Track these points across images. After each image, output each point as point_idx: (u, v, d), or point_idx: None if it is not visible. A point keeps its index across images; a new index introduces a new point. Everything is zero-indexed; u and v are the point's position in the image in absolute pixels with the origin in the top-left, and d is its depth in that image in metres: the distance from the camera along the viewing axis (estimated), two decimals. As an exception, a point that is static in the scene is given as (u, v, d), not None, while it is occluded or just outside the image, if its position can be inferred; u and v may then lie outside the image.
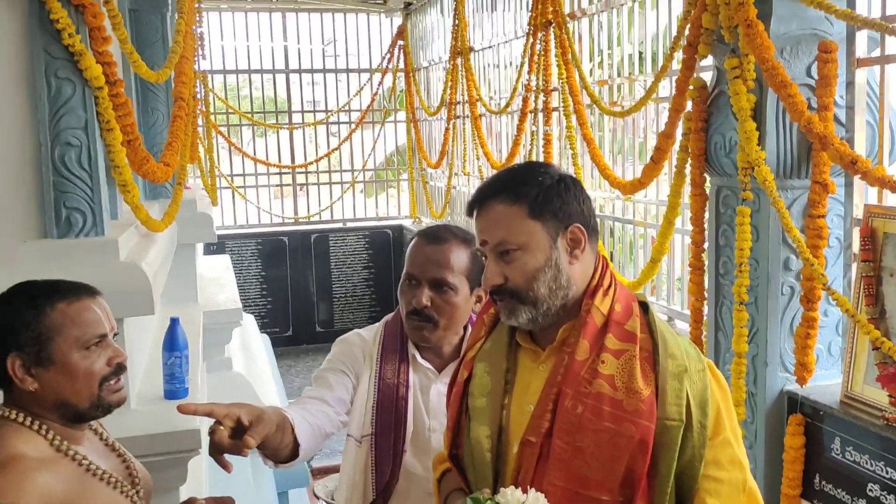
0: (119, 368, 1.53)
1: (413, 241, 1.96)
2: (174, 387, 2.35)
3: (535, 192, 1.42)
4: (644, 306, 1.46)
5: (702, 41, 2.88)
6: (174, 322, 2.35)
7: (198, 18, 3.93)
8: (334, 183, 9.78)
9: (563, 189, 1.44)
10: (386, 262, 9.42)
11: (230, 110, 9.09)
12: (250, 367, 4.37)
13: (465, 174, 7.69)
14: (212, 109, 8.20)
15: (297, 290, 9.17)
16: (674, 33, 3.21)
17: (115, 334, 1.56)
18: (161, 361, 2.41)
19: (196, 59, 3.99)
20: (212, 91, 8.41)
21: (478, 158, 6.93)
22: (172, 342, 2.33)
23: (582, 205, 1.46)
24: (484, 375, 1.50)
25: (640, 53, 4.67)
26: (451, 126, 7.68)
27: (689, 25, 2.95)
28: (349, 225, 9.58)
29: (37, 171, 2.17)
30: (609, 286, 1.45)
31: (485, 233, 1.44)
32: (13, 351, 1.44)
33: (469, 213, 1.50)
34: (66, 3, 2.10)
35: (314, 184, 9.70)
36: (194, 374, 2.52)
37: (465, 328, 1.99)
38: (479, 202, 1.46)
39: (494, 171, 6.59)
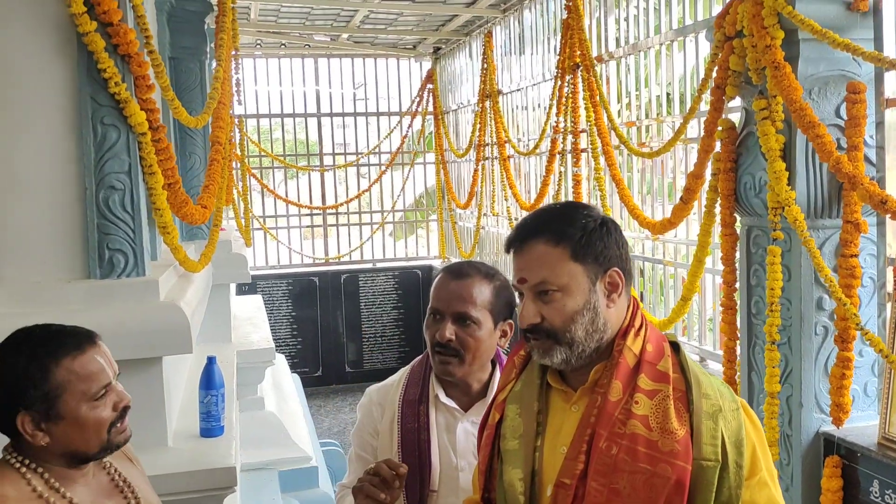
0: (124, 411, 1.55)
1: (437, 277, 1.99)
2: (210, 425, 2.38)
3: (578, 235, 1.42)
4: (675, 346, 1.47)
5: (729, 83, 2.91)
6: (211, 361, 2.39)
7: (234, 65, 4.04)
8: (364, 224, 9.89)
9: (605, 233, 1.44)
10: (415, 303, 9.45)
11: (263, 153, 9.26)
12: (282, 407, 4.40)
13: (493, 214, 7.74)
14: (246, 153, 8.37)
15: (327, 330, 9.22)
16: (701, 75, 3.25)
17: (119, 374, 1.57)
18: (197, 399, 2.45)
19: (232, 104, 4.10)
20: (246, 135, 8.59)
21: (506, 199, 6.98)
22: (209, 381, 2.37)
23: (621, 249, 1.47)
24: (516, 417, 1.50)
25: (668, 95, 4.71)
26: (479, 167, 7.76)
27: (716, 68, 2.99)
28: (379, 265, 9.64)
29: (82, 214, 2.25)
30: (640, 326, 1.46)
31: (525, 271, 1.45)
32: (21, 409, 1.46)
33: (508, 250, 1.50)
34: (113, 54, 2.19)
35: (344, 225, 9.81)
36: (229, 413, 2.56)
37: (494, 365, 2.01)
38: (521, 240, 1.46)
39: (524, 212, 6.66)
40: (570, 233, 1.42)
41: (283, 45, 8.94)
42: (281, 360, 5.51)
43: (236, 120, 4.94)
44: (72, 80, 2.21)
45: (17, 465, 1.50)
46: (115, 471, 1.64)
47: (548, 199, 6.04)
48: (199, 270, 2.90)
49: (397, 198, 9.74)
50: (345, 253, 9.67)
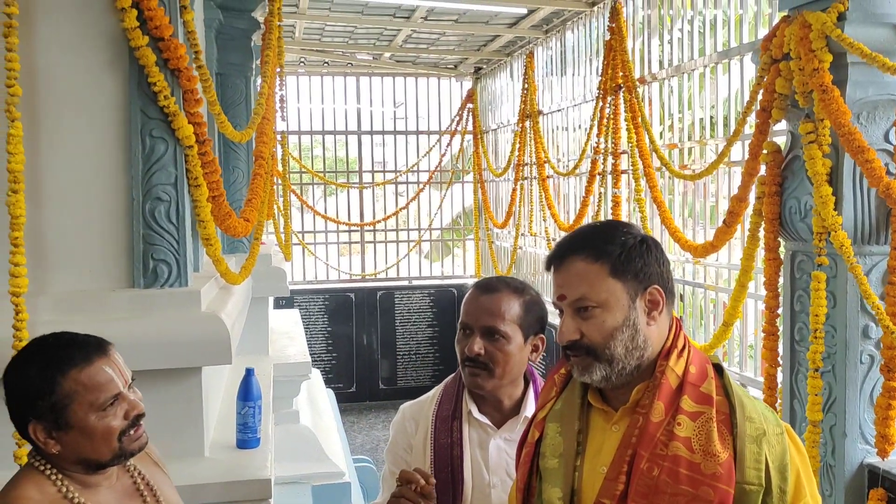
0: (137, 419, 1.55)
1: (468, 293, 2.00)
2: (247, 436, 2.40)
3: (618, 251, 1.43)
4: (718, 368, 1.45)
5: (776, 106, 2.88)
6: (249, 372, 2.41)
7: (279, 82, 4.10)
8: (401, 241, 9.92)
9: (644, 250, 1.44)
10: (450, 321, 9.44)
11: (303, 169, 9.36)
12: (317, 422, 4.41)
13: (531, 234, 7.72)
14: (287, 168, 8.46)
15: (362, 346, 9.25)
16: (745, 98, 3.22)
17: (133, 381, 1.58)
18: (234, 411, 2.47)
19: (276, 120, 4.15)
20: (287, 151, 8.70)
21: (545, 220, 6.96)
22: (247, 392, 2.38)
23: (662, 267, 1.46)
24: (556, 436, 1.50)
25: (712, 118, 4.67)
26: (518, 187, 7.76)
27: (762, 90, 2.96)
28: (414, 283, 9.66)
29: (128, 224, 2.29)
30: (683, 347, 1.45)
31: (564, 288, 1.45)
32: (32, 419, 1.49)
33: (548, 268, 1.51)
34: (164, 68, 2.24)
35: (381, 242, 9.86)
36: (265, 425, 2.57)
37: (527, 382, 2.00)
38: (560, 257, 1.47)
39: (562, 232, 6.63)
40: (610, 249, 1.43)
41: (327, 63, 9.05)
42: (316, 375, 5.53)
43: (279, 136, 4.99)
44: (122, 93, 2.26)
45: (42, 468, 1.53)
46: (139, 474, 1.66)
47: (587, 220, 6.01)
48: (240, 283, 2.93)
49: (434, 216, 9.76)
50: (381, 269, 9.71)
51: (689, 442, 1.35)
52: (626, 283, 1.42)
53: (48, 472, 1.51)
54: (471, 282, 9.48)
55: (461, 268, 10.35)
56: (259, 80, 3.71)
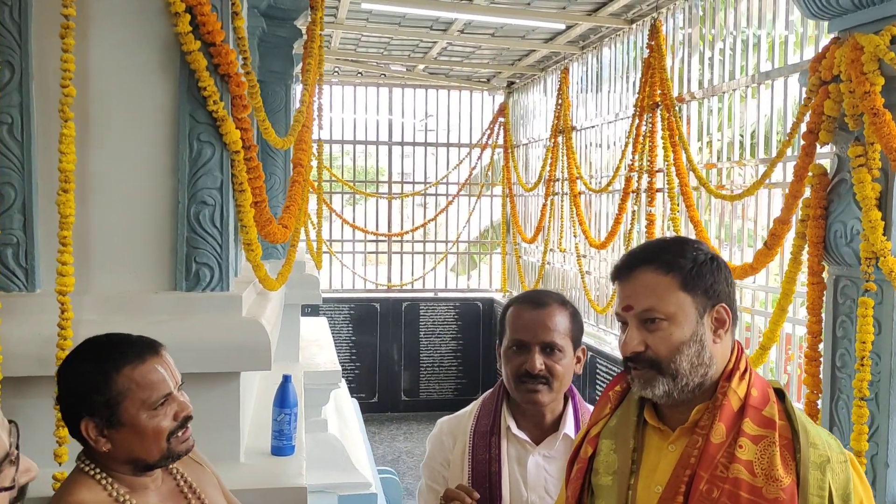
0: (185, 420, 1.57)
1: (513, 308, 1.98)
2: (282, 443, 2.39)
3: (689, 265, 1.42)
4: (780, 393, 1.43)
5: (823, 128, 2.83)
6: (286, 379, 2.40)
7: (317, 90, 4.12)
8: (428, 253, 9.92)
9: (715, 267, 1.43)
10: (474, 335, 9.41)
11: (333, 178, 9.39)
12: (343, 431, 4.40)
13: (560, 251, 7.68)
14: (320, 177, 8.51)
15: (386, 356, 9.24)
16: (787, 119, 3.18)
17: (182, 384, 1.60)
18: (264, 417, 2.47)
19: (313, 128, 4.17)
20: (322, 160, 8.75)
21: (575, 236, 6.92)
22: (284, 399, 2.37)
23: (729, 287, 1.45)
24: (610, 453, 1.48)
25: (753, 137, 4.63)
26: (548, 202, 7.73)
27: (809, 112, 2.92)
28: (440, 295, 9.65)
29: (172, 227, 2.29)
30: (745, 370, 1.43)
31: (631, 298, 1.43)
32: (85, 415, 1.51)
33: (615, 278, 1.50)
34: (214, 73, 2.25)
35: (408, 253, 9.87)
36: (299, 433, 2.56)
37: (566, 399, 1.99)
38: (629, 267, 1.46)
39: (592, 249, 6.58)
40: (681, 263, 1.42)
41: (360, 73, 9.10)
42: (342, 384, 5.52)
43: (315, 144, 5.02)
44: (172, 97, 2.27)
45: (91, 471, 1.53)
46: (182, 476, 1.66)
47: (619, 238, 5.97)
48: (277, 289, 2.93)
49: (462, 229, 9.76)
50: (408, 281, 9.71)
51: (750, 465, 1.33)
52: (695, 297, 1.41)
53: (98, 475, 1.52)
54: (497, 296, 9.46)
55: (487, 281, 10.33)
56: (301, 89, 3.73)
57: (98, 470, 1.53)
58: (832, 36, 2.90)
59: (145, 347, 1.56)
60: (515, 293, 9.17)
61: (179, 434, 1.55)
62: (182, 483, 1.63)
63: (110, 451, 1.51)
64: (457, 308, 9.45)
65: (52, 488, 1.99)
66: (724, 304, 1.43)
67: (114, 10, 2.22)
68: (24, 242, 2.20)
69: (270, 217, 2.72)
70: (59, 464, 1.99)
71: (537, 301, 1.96)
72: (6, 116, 2.15)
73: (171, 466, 1.62)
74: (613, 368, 5.74)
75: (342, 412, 4.88)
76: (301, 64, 3.64)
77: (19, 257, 2.21)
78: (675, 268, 1.41)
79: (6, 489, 1.08)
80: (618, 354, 5.85)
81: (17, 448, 1.12)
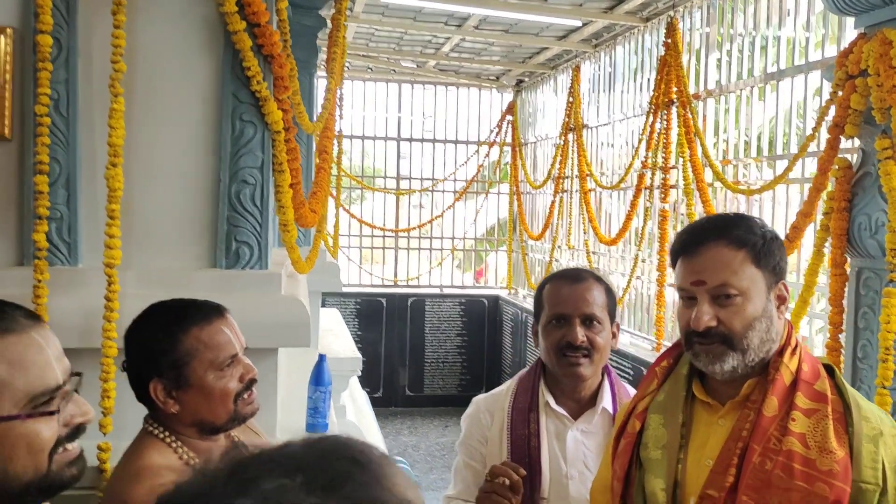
0: (251, 383, 1.59)
1: (550, 285, 2.01)
2: (317, 420, 2.42)
3: (760, 242, 1.43)
4: (829, 369, 1.45)
5: (850, 122, 2.87)
6: (322, 358, 2.44)
7: (341, 80, 4.15)
8: (434, 249, 9.95)
9: (779, 245, 1.46)
10: (479, 331, 9.44)
11: (343, 174, 9.42)
12: (360, 419, 4.43)
13: (569, 248, 7.72)
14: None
15: (391, 351, 9.26)
16: (809, 116, 3.22)
17: (245, 349, 1.62)
18: (296, 396, 2.49)
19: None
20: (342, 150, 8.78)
21: (584, 233, 6.96)
22: (319, 377, 2.41)
23: (787, 266, 1.48)
24: (659, 427, 1.50)
25: (771, 132, 4.67)
26: (557, 199, 7.77)
27: (834, 106, 2.96)
28: (446, 291, 9.68)
29: (214, 205, 2.32)
30: (795, 346, 1.45)
31: (703, 273, 1.43)
32: (154, 376, 1.53)
33: (680, 253, 1.49)
34: (258, 53, 2.28)
35: (415, 249, 9.90)
36: (331, 412, 2.59)
37: (603, 374, 2.01)
38: (699, 242, 1.46)
39: (602, 245, 6.61)
40: (753, 239, 1.43)
41: (370, 69, 9.13)
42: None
43: (338, 135, 5.05)
44: (216, 76, 2.30)
45: (160, 434, 1.56)
46: (243, 444, 1.68)
47: (630, 235, 6.01)
48: (307, 272, 2.96)
49: (470, 225, 9.80)
50: (414, 276, 9.74)
51: (803, 438, 1.35)
52: (765, 273, 1.43)
53: (166, 438, 1.54)
54: (503, 293, 9.48)
55: (492, 279, 10.36)
56: (327, 78, 3.76)
57: (167, 433, 1.55)
58: (858, 31, 2.94)
59: (211, 310, 1.59)
60: (522, 291, 9.23)
61: (245, 396, 1.57)
62: (244, 450, 1.65)
63: (178, 413, 1.53)
64: (462, 305, 9.48)
65: (96, 458, 2.02)
66: (783, 282, 1.46)
67: (161, -10, 2.25)
68: (67, 217, 2.23)
69: (303, 200, 2.76)
70: (104, 433, 2.02)
71: (575, 276, 1.99)
72: (53, 93, 2.18)
73: (231, 433, 1.64)
74: (624, 363, 5.78)
75: (356, 401, 4.92)
76: (326, 53, 3.68)
77: (62, 232, 2.24)
78: (748, 243, 1.42)
79: (51, 413, 1.11)
80: (627, 350, 5.87)
81: (76, 390, 1.17)
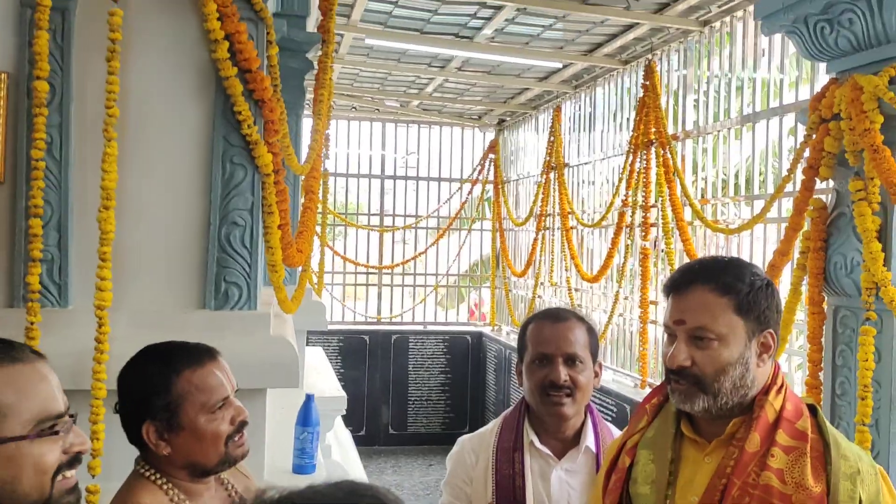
0: (241, 425, 1.61)
1: (533, 324, 2.05)
2: (304, 461, 2.43)
3: (746, 290, 1.47)
4: (812, 409, 1.49)
5: (823, 164, 2.96)
6: (309, 398, 2.45)
7: (327, 122, 4.21)
8: (418, 286, 9.98)
9: (769, 293, 1.49)
10: (463, 368, 9.44)
11: (328, 212, 9.46)
12: (345, 459, 4.42)
13: (551, 284, 7.78)
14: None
15: (374, 389, 9.23)
16: (783, 157, 3.31)
17: (236, 391, 1.64)
18: (282, 436, 2.50)
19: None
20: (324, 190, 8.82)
21: (567, 270, 7.02)
22: (307, 417, 2.42)
23: (778, 314, 1.51)
24: (648, 463, 1.53)
25: (748, 171, 4.77)
26: (539, 237, 7.84)
27: (809, 149, 3.04)
28: (429, 328, 9.68)
29: (203, 247, 2.35)
30: (781, 386, 1.49)
31: (685, 313, 1.48)
32: (146, 419, 1.54)
33: (670, 291, 1.54)
34: (249, 98, 2.33)
35: (398, 285, 9.92)
36: (318, 453, 2.60)
37: (586, 414, 2.04)
38: (687, 283, 1.51)
39: (584, 283, 6.67)
40: (739, 287, 1.47)
41: (355, 108, 9.23)
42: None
43: (325, 175, 5.10)
44: (208, 120, 2.34)
45: (151, 476, 1.57)
46: (232, 487, 1.69)
47: (612, 272, 6.08)
48: (293, 312, 2.98)
49: (452, 262, 9.84)
50: (398, 313, 9.74)
51: (781, 473, 1.38)
52: (747, 322, 1.46)
53: (157, 480, 1.55)
54: (487, 329, 9.51)
55: (476, 316, 10.38)
56: (314, 119, 3.81)
57: (158, 475, 1.56)
58: (831, 76, 3.04)
59: (203, 352, 1.61)
60: (505, 328, 9.25)
61: (236, 438, 1.59)
62: (233, 493, 1.66)
63: (170, 455, 1.54)
64: (446, 342, 9.48)
65: (86, 501, 2.02)
66: (771, 331, 1.49)
67: (154, 36, 2.30)
68: (58, 259, 2.25)
69: (291, 240, 2.79)
70: (93, 475, 2.02)
71: (557, 316, 2.03)
72: (46, 136, 2.21)
73: (222, 476, 1.66)
74: (607, 400, 5.81)
75: (341, 440, 4.90)
76: (313, 95, 3.73)
77: (53, 273, 2.26)
78: (733, 291, 1.46)
79: (55, 433, 1.19)
80: (609, 387, 5.89)
81: (73, 417, 1.26)
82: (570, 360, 1.95)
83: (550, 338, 1.98)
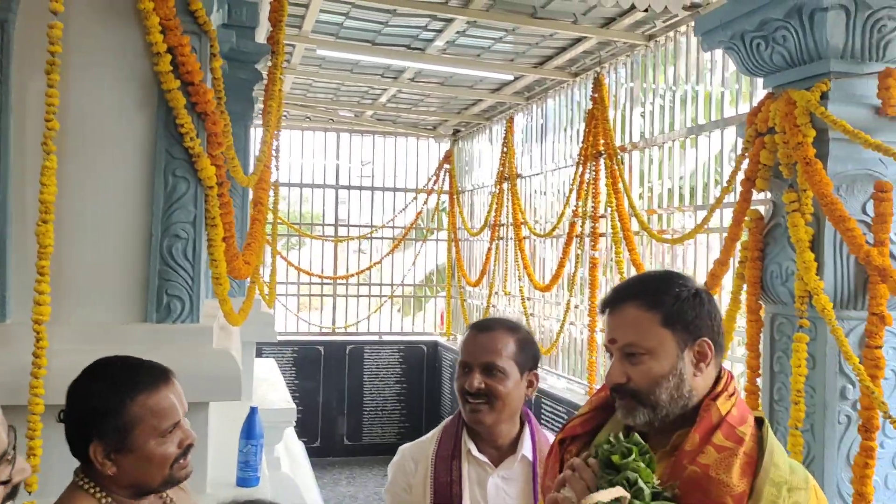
0: (188, 448, 1.61)
1: (465, 334, 2.11)
2: (248, 474, 2.42)
3: (671, 302, 1.47)
4: (759, 422, 1.49)
5: (760, 176, 3.05)
6: (253, 411, 2.45)
7: (276, 132, 4.20)
8: (373, 296, 9.97)
9: (697, 303, 1.49)
10: (418, 378, 9.44)
11: (281, 221, 9.41)
12: (295, 471, 4.40)
13: (505, 294, 7.84)
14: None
15: (329, 400, 9.18)
16: (725, 168, 3.39)
17: (186, 414, 1.64)
18: (223, 450, 2.49)
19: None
20: (278, 200, 8.76)
21: (520, 279, 7.09)
22: (250, 430, 2.42)
23: (713, 320, 1.51)
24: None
25: (692, 181, 4.87)
26: (493, 247, 7.90)
27: (746, 161, 3.13)
28: (385, 338, 9.68)
29: (145, 260, 2.34)
30: (733, 394, 1.50)
31: (615, 332, 1.50)
32: (95, 438, 1.53)
33: (602, 311, 1.56)
34: (191, 111, 2.33)
35: (353, 296, 9.90)
36: (263, 465, 2.59)
37: (522, 423, 2.08)
38: (615, 302, 1.52)
39: (537, 292, 6.74)
40: (664, 299, 1.47)
41: (308, 118, 9.20)
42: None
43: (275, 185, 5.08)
44: (150, 133, 2.34)
45: (90, 489, 1.56)
46: (171, 500, 1.69)
47: (563, 281, 6.15)
48: (240, 324, 2.98)
49: (408, 272, 9.86)
50: (352, 323, 9.72)
51: (707, 468, 1.39)
52: (675, 333, 1.47)
53: (96, 493, 1.54)
54: (441, 339, 9.53)
55: (431, 325, 10.40)
56: (263, 130, 3.80)
57: (98, 488, 1.55)
58: (767, 91, 3.14)
59: (159, 375, 1.60)
60: (460, 337, 9.27)
61: (181, 461, 1.59)
62: None
63: (114, 474, 1.53)
64: (401, 351, 9.48)
65: (23, 516, 1.99)
66: (706, 339, 1.48)
67: (95, 49, 2.29)
68: (-5, 273, 2.22)
69: (237, 252, 2.78)
70: (29, 492, 1.99)
71: (483, 326, 2.09)
72: (-17, 149, 2.19)
73: (163, 494, 1.65)
74: (558, 408, 5.87)
75: (292, 453, 4.87)
76: (263, 106, 3.73)
77: (-10, 287, 2.22)
78: (658, 304, 1.47)
79: (3, 483, 1.14)
80: (562, 395, 5.95)
81: (14, 449, 1.20)
82: (488, 369, 1.99)
83: (471, 347, 2.04)
